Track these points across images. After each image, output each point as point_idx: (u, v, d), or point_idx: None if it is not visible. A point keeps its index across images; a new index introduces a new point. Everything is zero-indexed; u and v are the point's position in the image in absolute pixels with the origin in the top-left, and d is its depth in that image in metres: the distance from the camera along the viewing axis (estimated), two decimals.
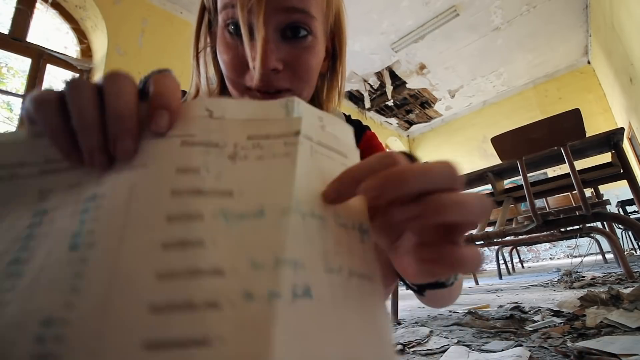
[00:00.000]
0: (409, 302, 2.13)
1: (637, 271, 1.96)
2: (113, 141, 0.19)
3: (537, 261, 5.32)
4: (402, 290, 2.10)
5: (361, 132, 0.57)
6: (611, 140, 1.63)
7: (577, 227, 2.08)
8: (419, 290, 0.36)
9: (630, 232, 4.04)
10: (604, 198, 2.31)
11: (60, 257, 0.16)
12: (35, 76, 2.52)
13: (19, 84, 2.70)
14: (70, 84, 0.20)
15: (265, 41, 0.35)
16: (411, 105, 6.07)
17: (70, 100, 0.19)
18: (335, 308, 0.16)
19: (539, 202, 3.14)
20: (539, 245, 5.35)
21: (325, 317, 0.15)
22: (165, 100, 0.19)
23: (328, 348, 0.15)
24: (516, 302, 1.55)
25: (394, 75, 5.14)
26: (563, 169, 2.18)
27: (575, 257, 4.42)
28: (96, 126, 0.19)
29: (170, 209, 0.16)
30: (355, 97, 5.53)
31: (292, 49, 0.38)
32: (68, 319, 0.14)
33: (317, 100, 0.48)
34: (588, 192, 2.88)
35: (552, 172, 4.57)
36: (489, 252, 5.74)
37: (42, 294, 0.15)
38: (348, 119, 0.58)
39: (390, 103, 5.80)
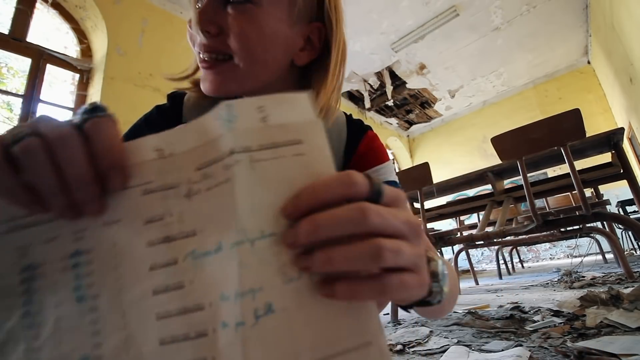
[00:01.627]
0: None
1: (637, 271, 1.96)
2: (81, 205, 0.20)
3: (537, 261, 5.32)
4: None
5: (362, 132, 0.55)
6: (611, 140, 1.63)
7: (577, 227, 2.08)
8: (404, 307, 0.36)
9: (630, 232, 4.04)
10: (604, 198, 2.31)
11: (72, 309, 0.20)
12: (35, 76, 2.52)
13: (19, 84, 2.70)
14: (20, 147, 0.19)
15: (204, 5, 0.37)
16: (411, 105, 6.07)
17: (28, 167, 0.19)
18: (302, 310, 0.18)
19: (539, 202, 3.14)
20: (539, 245, 5.35)
21: (291, 322, 0.18)
22: (111, 157, 0.20)
23: (299, 346, 0.18)
24: (516, 302, 1.55)
25: (394, 75, 5.14)
26: (563, 169, 2.18)
27: (575, 257, 4.42)
28: (61, 191, 0.19)
29: (149, 259, 0.20)
30: (355, 97, 5.53)
31: (228, 13, 0.39)
32: (101, 355, 0.19)
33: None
34: (588, 192, 2.88)
35: (552, 172, 4.56)
36: (489, 252, 5.74)
37: (69, 339, 0.20)
38: (349, 118, 0.57)
39: (390, 103, 5.80)
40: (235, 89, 0.42)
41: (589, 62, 5.28)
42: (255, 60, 0.40)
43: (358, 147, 0.54)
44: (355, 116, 0.59)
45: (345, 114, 0.57)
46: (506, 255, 3.74)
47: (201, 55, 0.40)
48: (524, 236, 2.12)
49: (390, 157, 7.12)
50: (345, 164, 0.55)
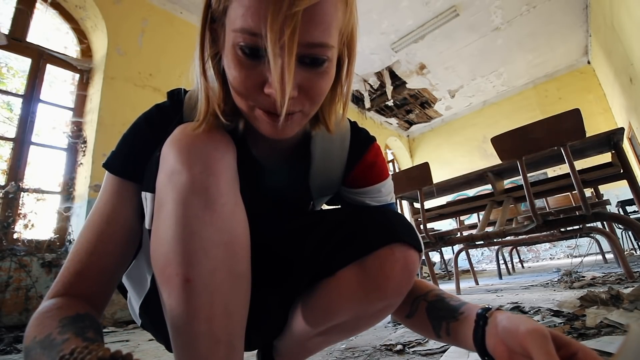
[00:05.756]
0: None
1: (637, 271, 1.96)
2: None
3: (537, 261, 5.32)
4: None
5: (369, 143, 0.56)
6: (611, 140, 1.63)
7: (577, 227, 2.08)
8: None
9: (630, 232, 4.04)
10: (604, 198, 2.31)
11: None
12: (35, 76, 2.52)
13: (19, 84, 2.70)
14: None
15: (290, 74, 0.35)
16: (411, 105, 6.07)
17: None
18: None
19: (539, 202, 3.14)
20: (539, 245, 5.35)
21: None
22: None
23: None
24: (516, 302, 1.55)
25: (394, 75, 5.14)
26: (563, 169, 2.18)
27: (575, 257, 4.42)
28: None
29: None
30: (355, 97, 5.53)
31: (307, 74, 0.37)
32: None
33: (319, 113, 0.46)
34: (588, 192, 2.88)
35: (552, 172, 4.57)
36: (489, 252, 5.74)
37: None
38: (353, 126, 0.58)
39: (390, 103, 5.80)
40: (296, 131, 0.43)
41: (589, 62, 5.28)
42: (318, 106, 0.41)
43: (364, 157, 0.56)
44: (355, 116, 0.59)
45: (349, 121, 0.58)
46: (506, 255, 3.74)
47: (270, 111, 0.38)
48: (524, 236, 2.12)
49: (390, 157, 7.03)
50: (347, 170, 0.56)
